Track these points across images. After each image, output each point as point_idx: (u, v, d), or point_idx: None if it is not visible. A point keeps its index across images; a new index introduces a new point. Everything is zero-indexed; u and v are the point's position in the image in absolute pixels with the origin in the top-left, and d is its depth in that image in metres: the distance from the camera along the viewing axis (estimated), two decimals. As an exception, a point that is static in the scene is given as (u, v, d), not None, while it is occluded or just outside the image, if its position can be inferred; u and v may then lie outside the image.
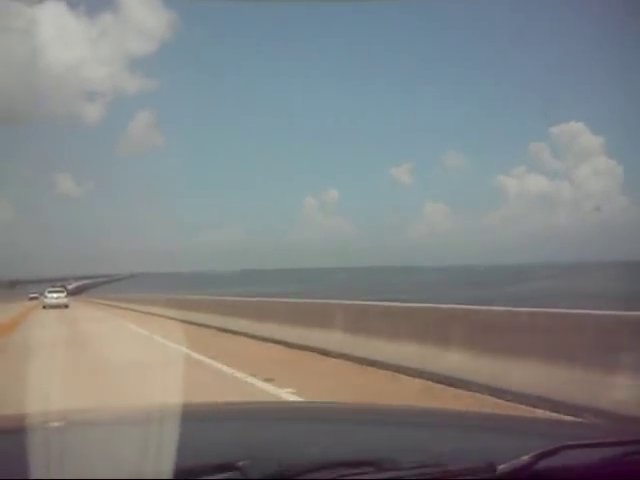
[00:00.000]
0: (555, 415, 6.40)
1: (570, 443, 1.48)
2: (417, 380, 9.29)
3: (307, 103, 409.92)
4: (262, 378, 10.19)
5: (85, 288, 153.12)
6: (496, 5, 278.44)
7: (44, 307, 45.10)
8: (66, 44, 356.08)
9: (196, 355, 13.48)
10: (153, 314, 29.08)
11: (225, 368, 11.75)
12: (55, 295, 48.10)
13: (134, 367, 11.77)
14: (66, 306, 45.38)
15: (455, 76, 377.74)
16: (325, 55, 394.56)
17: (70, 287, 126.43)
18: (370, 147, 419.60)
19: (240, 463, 1.34)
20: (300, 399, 8.22)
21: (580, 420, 5.54)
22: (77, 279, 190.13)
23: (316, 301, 16.73)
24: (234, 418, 2.22)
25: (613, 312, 7.57)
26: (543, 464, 1.40)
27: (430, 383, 9.01)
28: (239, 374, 10.88)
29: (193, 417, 2.04)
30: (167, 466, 1.33)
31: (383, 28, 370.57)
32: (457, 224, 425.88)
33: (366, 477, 1.38)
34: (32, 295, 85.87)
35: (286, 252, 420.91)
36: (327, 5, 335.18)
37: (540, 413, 6.78)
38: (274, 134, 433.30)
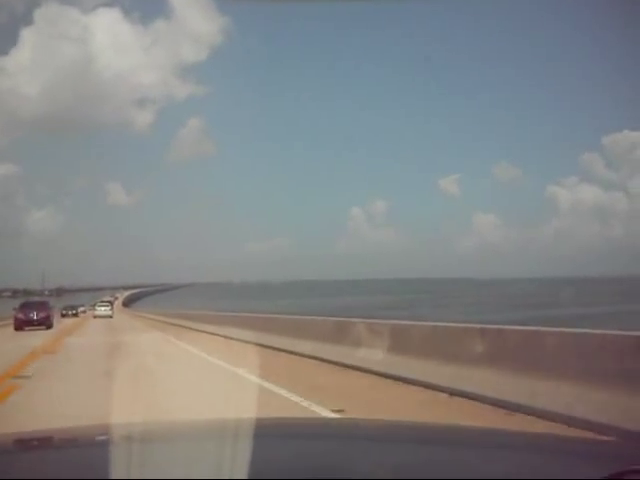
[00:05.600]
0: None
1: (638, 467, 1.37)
2: None
3: (356, 114, 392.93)
4: None
5: (136, 298, 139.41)
6: (544, 12, 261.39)
7: (94, 317, 51.70)
8: (119, 51, 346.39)
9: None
10: (245, 342, 16.60)
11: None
12: (103, 308, 56.19)
13: None
14: (110, 317, 51.48)
15: (505, 86, 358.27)
16: (375, 65, 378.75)
17: (121, 297, 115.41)
18: (417, 158, 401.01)
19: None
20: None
21: None
22: (127, 288, 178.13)
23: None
24: (301, 434, 2.11)
25: None
26: None
27: None
28: None
29: (259, 433, 1.88)
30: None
31: (429, 39, 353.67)
32: (508, 235, 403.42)
33: None
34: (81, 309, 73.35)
35: (335, 263, 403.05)
36: (378, 16, 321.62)
37: None
38: (322, 144, 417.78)
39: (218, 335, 20.70)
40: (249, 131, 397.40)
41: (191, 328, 26.55)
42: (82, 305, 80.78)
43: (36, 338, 22.07)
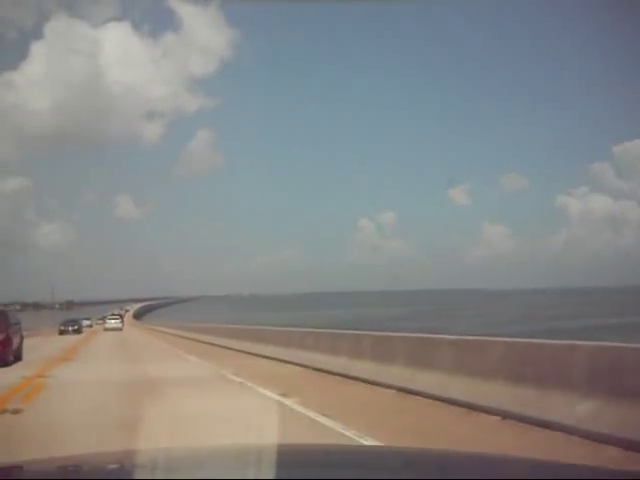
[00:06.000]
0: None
1: None
2: None
3: (364, 125, 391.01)
4: None
5: (147, 311, 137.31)
6: (555, 20, 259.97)
7: (105, 330, 51.87)
8: (129, 65, 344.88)
9: None
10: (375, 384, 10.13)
11: None
12: (113, 321, 56.69)
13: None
14: (120, 329, 51.86)
15: (514, 95, 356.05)
16: (384, 76, 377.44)
17: (132, 310, 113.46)
18: (426, 168, 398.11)
19: None
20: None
21: None
22: (136, 301, 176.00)
23: None
24: (325, 462, 2.08)
25: None
26: None
27: None
28: None
29: (282, 459, 1.84)
30: None
31: (441, 50, 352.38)
32: (518, 246, 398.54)
33: None
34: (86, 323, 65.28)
35: (344, 275, 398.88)
36: (388, 25, 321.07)
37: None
38: (330, 155, 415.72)
39: (287, 362, 14.74)
40: (258, 143, 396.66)
41: (229, 348, 21.48)
42: (87, 318, 71.33)
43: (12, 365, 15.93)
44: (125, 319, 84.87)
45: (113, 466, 2.03)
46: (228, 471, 1.86)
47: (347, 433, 6.59)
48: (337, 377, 11.44)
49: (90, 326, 65.15)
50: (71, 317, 62.84)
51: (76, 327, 50.38)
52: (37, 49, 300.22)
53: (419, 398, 8.54)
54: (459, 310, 77.52)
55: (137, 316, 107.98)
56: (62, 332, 47.88)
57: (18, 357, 18.55)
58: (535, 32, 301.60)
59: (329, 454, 2.31)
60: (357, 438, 6.34)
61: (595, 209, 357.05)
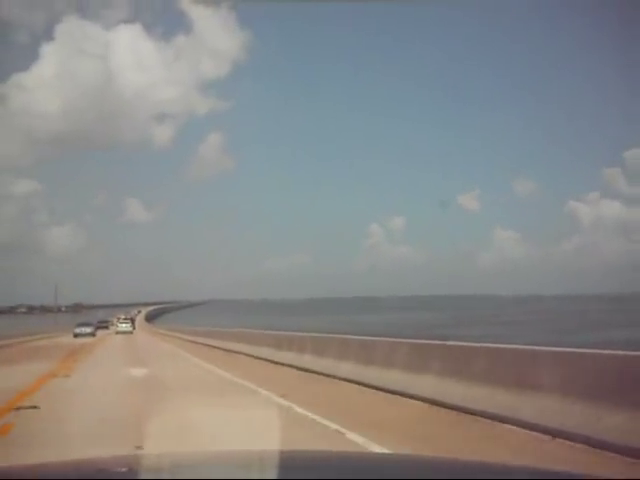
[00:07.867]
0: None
1: None
2: None
3: (375, 130, 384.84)
4: None
5: (157, 315, 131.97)
6: (565, 23, 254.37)
7: (116, 333, 53.03)
8: (140, 67, 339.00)
9: None
10: None
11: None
12: (124, 325, 57.53)
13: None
14: (131, 332, 54.12)
15: (524, 100, 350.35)
16: (394, 81, 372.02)
17: (143, 313, 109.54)
18: (436, 174, 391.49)
19: None
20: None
21: None
22: (145, 305, 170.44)
23: None
24: (331, 467, 2.04)
25: None
26: None
27: None
28: None
29: (289, 465, 1.90)
30: None
31: (450, 55, 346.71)
32: (529, 252, 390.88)
33: None
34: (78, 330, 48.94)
35: (353, 280, 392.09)
36: (405, 32, 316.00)
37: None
38: (341, 160, 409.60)
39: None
40: (269, 147, 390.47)
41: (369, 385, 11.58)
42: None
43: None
44: (137, 321, 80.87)
45: (116, 470, 1.99)
46: (231, 475, 1.83)
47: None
48: None
49: None
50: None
51: None
52: (48, 51, 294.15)
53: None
54: (499, 317, 71.30)
55: (149, 319, 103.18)
56: None
57: None
58: (547, 37, 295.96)
59: (334, 460, 2.26)
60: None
61: (606, 215, 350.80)
